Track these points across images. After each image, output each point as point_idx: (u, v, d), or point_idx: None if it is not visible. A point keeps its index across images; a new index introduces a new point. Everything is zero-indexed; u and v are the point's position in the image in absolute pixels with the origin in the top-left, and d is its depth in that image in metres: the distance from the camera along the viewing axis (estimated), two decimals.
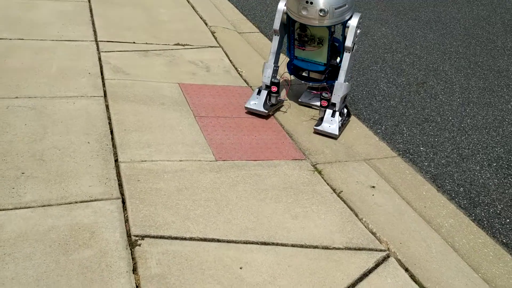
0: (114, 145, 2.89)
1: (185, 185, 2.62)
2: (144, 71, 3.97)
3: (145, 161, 2.79)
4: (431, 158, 3.26)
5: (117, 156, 2.80)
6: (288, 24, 3.54)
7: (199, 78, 4.01)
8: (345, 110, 3.55)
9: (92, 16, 5.06)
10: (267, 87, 3.56)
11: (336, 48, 3.57)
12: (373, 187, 2.83)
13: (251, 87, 4.01)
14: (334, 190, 2.76)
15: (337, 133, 3.34)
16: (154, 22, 5.11)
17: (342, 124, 3.46)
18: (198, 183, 2.66)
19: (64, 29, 4.58)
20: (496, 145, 3.50)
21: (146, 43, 4.55)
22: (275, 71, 3.62)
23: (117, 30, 4.75)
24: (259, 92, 3.56)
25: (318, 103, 3.65)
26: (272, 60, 3.61)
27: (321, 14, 3.17)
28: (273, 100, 3.58)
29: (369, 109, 3.86)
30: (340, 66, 3.45)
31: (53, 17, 4.86)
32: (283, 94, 3.88)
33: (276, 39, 3.60)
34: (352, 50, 3.36)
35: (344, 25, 3.37)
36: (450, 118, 3.81)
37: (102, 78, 3.75)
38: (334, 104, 3.38)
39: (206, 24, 5.31)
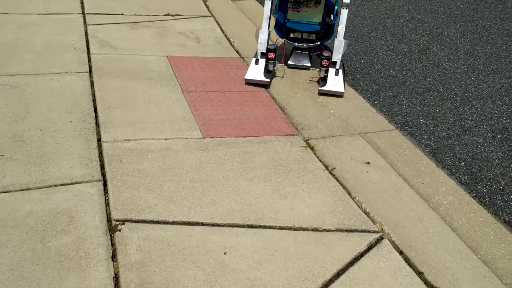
0: (97, 124, 2.77)
1: (169, 165, 2.50)
2: (131, 44, 3.80)
3: (129, 140, 2.67)
4: (431, 130, 3.11)
5: (100, 136, 2.68)
6: None
7: (189, 50, 3.84)
8: (343, 67, 3.53)
9: None
10: (263, 55, 3.50)
11: (330, 7, 3.55)
12: (368, 163, 2.69)
13: (243, 58, 3.83)
14: (326, 167, 2.63)
15: (343, 90, 3.36)
16: None
17: (344, 81, 3.47)
18: (183, 162, 2.54)
19: (51, 2, 4.40)
20: (501, 115, 3.32)
21: (135, 14, 4.36)
22: (269, 37, 3.56)
23: (105, 1, 4.56)
24: (256, 62, 3.51)
25: (308, 64, 3.72)
26: (266, 26, 3.53)
27: None
28: (270, 67, 3.52)
29: (367, 79, 3.68)
30: (333, 24, 3.52)
31: None
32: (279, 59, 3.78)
33: (268, 3, 3.52)
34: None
35: None
36: (453, 87, 3.62)
37: (88, 52, 3.59)
38: (334, 63, 3.39)
39: None
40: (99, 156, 2.51)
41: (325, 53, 3.38)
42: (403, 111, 3.30)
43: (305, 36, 3.64)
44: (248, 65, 3.72)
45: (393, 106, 3.35)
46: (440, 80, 3.70)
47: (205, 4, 4.79)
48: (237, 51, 3.95)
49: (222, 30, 4.31)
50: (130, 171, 2.42)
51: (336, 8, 3.59)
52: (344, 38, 3.41)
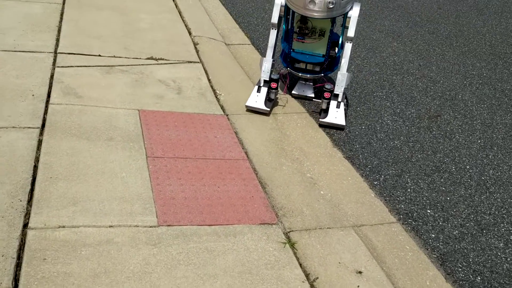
0: (30, 201, 2.26)
1: (105, 268, 1.98)
2: (101, 93, 3.33)
3: (63, 227, 2.15)
4: (440, 226, 2.57)
5: (28, 218, 2.17)
6: (287, 17, 3.60)
7: (166, 103, 3.37)
8: (345, 100, 3.60)
9: (61, 21, 4.44)
10: (266, 83, 3.53)
11: (335, 40, 3.65)
12: (360, 272, 2.15)
13: (227, 115, 3.35)
14: (307, 277, 2.09)
15: (344, 123, 3.40)
16: (130, 30, 4.48)
17: (345, 114, 3.51)
18: (124, 264, 2.01)
19: (23, 37, 3.97)
20: None
21: (114, 56, 3.91)
22: (273, 65, 3.60)
23: (84, 39, 4.13)
24: (258, 89, 3.53)
25: (312, 95, 3.80)
26: (271, 55, 3.58)
27: (330, 6, 3.22)
28: (272, 96, 3.55)
29: (367, 151, 3.16)
30: (338, 56, 3.60)
31: (15, 21, 4.25)
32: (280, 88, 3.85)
33: (273, 32, 3.58)
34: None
35: (346, 15, 3.41)
36: (468, 167, 3.10)
37: (47, 102, 3.12)
38: (337, 96, 3.42)
39: (190, 33, 4.65)
40: (19, 250, 2.00)
41: (327, 86, 3.42)
42: (407, 196, 2.77)
43: (309, 67, 3.70)
44: (232, 124, 3.25)
45: (396, 189, 2.82)
46: (452, 157, 3.17)
47: (195, 48, 4.34)
48: (221, 107, 3.47)
49: (209, 80, 3.84)
50: (52, 276, 1.90)
51: (341, 41, 3.65)
52: (347, 71, 3.45)
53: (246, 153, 2.94)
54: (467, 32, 6.09)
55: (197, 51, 4.31)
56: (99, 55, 3.89)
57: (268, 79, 3.52)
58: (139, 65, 3.89)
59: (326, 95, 3.41)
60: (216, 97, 3.62)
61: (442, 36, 5.76)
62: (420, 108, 3.80)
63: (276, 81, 3.50)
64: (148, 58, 4.01)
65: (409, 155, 3.13)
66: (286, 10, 3.50)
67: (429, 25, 6.19)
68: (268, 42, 3.56)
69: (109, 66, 3.76)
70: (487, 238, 2.51)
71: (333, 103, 3.42)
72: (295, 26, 3.58)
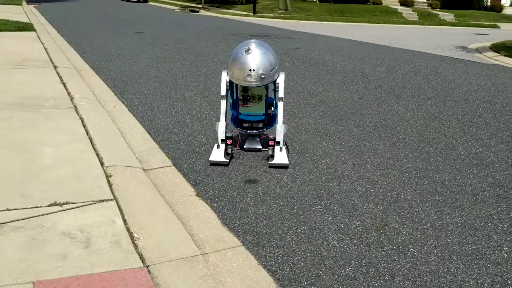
0: None
1: None
2: None
3: None
4: None
5: None
6: (231, 89, 4.55)
7: (71, 264, 2.75)
8: (285, 145, 4.68)
9: None
10: (223, 141, 4.45)
11: (270, 101, 4.70)
12: None
13: (148, 267, 2.78)
14: None
15: (287, 162, 4.38)
16: (30, 170, 3.90)
17: (287, 155, 4.49)
18: None
19: None
20: None
21: (6, 210, 3.28)
22: (226, 127, 4.50)
23: None
24: (218, 147, 4.45)
25: (259, 146, 4.79)
26: (223, 119, 4.51)
27: (262, 77, 4.21)
28: (229, 151, 4.49)
29: (318, 287, 2.69)
30: (275, 114, 4.62)
31: None
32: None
33: (223, 102, 4.53)
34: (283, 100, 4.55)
35: (275, 82, 4.46)
36: None
37: None
38: (279, 142, 4.41)
39: (102, 163, 4.14)
40: None
41: (270, 136, 4.46)
42: None
43: (254, 125, 4.69)
44: (153, 279, 2.68)
45: None
46: (412, 278, 2.77)
47: (108, 181, 3.82)
48: (140, 256, 2.90)
49: (124, 221, 3.29)
50: None
51: (274, 101, 4.68)
52: (283, 123, 4.47)
53: None
54: (391, 120, 6.10)
55: (110, 186, 3.78)
56: None
57: (224, 138, 4.43)
58: (39, 215, 3.27)
59: (271, 143, 4.42)
60: (133, 242, 3.06)
61: (368, 128, 5.68)
62: (364, 218, 3.45)
63: (231, 138, 4.47)
64: (50, 205, 3.42)
65: (366, 285, 2.69)
66: (231, 84, 4.50)
67: (353, 117, 6.15)
68: (220, 109, 4.53)
69: None
70: None
71: (277, 148, 4.40)
72: (239, 95, 4.58)
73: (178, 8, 37.38)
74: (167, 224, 3.34)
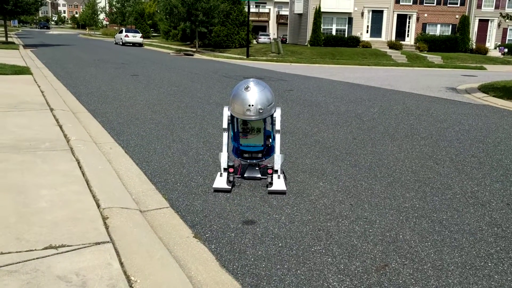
0: None
1: None
2: None
3: None
4: None
5: None
6: (232, 122, 4.98)
7: None
8: (283, 173, 5.04)
9: None
10: (225, 170, 4.80)
11: (268, 134, 5.09)
12: None
13: None
14: None
15: (285, 188, 4.73)
16: (26, 213, 3.86)
17: (285, 183, 4.85)
18: None
19: None
20: None
21: (1, 253, 3.22)
22: (228, 157, 4.85)
23: None
24: (221, 175, 4.78)
25: (259, 175, 5.13)
26: (225, 149, 4.85)
27: (260, 111, 4.60)
28: (231, 179, 4.81)
29: None
30: (273, 145, 5.05)
31: None
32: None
33: (225, 135, 4.88)
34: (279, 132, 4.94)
35: (272, 116, 4.90)
36: None
37: None
38: (277, 171, 4.78)
39: (98, 205, 4.11)
40: None
41: (269, 165, 4.87)
42: None
43: (254, 155, 5.09)
44: None
45: None
46: None
47: (104, 223, 3.78)
48: None
49: (121, 264, 3.24)
50: None
51: (272, 134, 5.08)
52: (280, 153, 4.88)
53: None
54: (386, 160, 6.14)
55: (106, 228, 3.74)
56: None
57: (226, 167, 4.79)
58: (34, 259, 3.22)
59: (269, 171, 4.75)
60: (130, 286, 2.99)
61: (364, 168, 5.72)
62: (364, 259, 3.42)
63: (233, 167, 4.82)
64: (45, 248, 3.36)
65: None
66: (232, 118, 4.92)
67: (349, 158, 6.19)
68: (222, 140, 4.89)
69: None
70: None
71: (275, 176, 4.75)
72: (240, 127, 4.99)
73: (173, 51, 38.19)
74: (165, 267, 3.28)
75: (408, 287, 3.07)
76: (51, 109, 8.49)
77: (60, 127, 7.09)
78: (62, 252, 3.33)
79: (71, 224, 3.76)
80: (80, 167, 5.14)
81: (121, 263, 3.27)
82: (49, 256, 3.27)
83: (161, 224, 4.00)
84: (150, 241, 3.68)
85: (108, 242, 3.55)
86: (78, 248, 3.41)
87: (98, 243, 3.51)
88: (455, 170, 5.78)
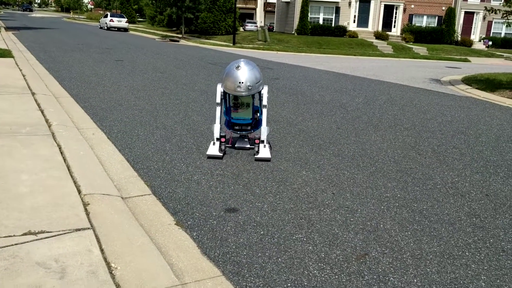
0: None
1: None
2: None
3: None
4: None
5: None
6: (225, 98, 5.59)
7: None
8: (269, 144, 5.63)
9: None
10: (217, 139, 5.41)
11: (256, 109, 5.69)
12: None
13: None
14: None
15: (270, 156, 5.40)
16: (4, 198, 3.80)
17: (270, 152, 5.52)
18: None
19: None
20: None
21: None
22: (221, 128, 5.44)
23: None
24: (214, 144, 5.42)
25: (248, 145, 5.84)
26: (218, 121, 5.44)
27: (249, 88, 5.19)
28: (222, 147, 5.42)
29: None
30: (260, 118, 5.63)
31: None
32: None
33: (218, 108, 5.45)
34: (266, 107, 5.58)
35: (260, 92, 5.50)
36: None
37: None
38: (263, 141, 5.43)
39: (79, 191, 4.07)
40: None
41: (256, 135, 5.51)
42: None
43: (244, 127, 5.74)
44: None
45: None
46: None
47: (85, 210, 3.75)
48: (117, 286, 2.82)
49: (101, 250, 3.22)
50: None
51: (260, 108, 5.65)
52: (266, 125, 5.53)
53: None
54: (369, 150, 6.19)
55: (87, 214, 3.71)
56: None
57: (219, 137, 5.40)
58: (12, 245, 3.18)
59: (257, 141, 5.42)
60: (110, 272, 2.98)
61: (347, 158, 5.75)
62: (345, 247, 3.46)
63: (224, 137, 5.45)
64: (24, 234, 3.32)
65: None
66: (224, 94, 5.51)
67: (332, 147, 6.22)
68: (216, 113, 5.46)
69: None
70: None
71: (261, 145, 5.41)
72: (231, 102, 5.58)
73: (159, 37, 37.73)
74: (146, 254, 3.27)
75: (388, 275, 3.12)
76: (33, 93, 8.33)
77: (42, 111, 6.97)
78: (41, 238, 3.30)
79: (51, 210, 3.71)
80: (61, 153, 5.07)
81: (102, 250, 3.25)
82: (28, 242, 3.23)
83: (143, 211, 3.98)
84: (131, 228, 3.66)
85: (88, 228, 3.52)
86: (58, 235, 3.37)
87: (79, 230, 3.48)
88: (437, 161, 5.86)
